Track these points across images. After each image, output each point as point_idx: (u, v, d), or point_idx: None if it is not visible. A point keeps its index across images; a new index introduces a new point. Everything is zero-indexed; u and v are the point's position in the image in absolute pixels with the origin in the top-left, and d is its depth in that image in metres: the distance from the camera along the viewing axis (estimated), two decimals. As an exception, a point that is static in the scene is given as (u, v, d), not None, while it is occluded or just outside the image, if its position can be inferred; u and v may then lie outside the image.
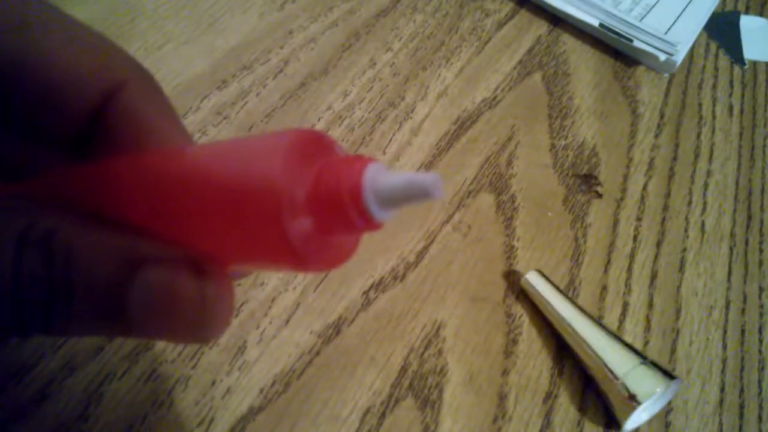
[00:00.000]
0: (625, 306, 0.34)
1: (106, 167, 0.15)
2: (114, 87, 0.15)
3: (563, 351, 0.31)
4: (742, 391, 0.32)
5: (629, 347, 0.29)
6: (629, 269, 0.35)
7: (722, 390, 0.32)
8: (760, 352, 0.34)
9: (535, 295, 0.32)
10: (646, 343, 0.33)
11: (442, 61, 0.42)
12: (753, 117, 0.46)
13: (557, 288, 0.32)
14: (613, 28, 0.46)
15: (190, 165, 0.15)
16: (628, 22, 0.46)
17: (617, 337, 0.30)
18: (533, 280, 0.32)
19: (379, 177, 0.13)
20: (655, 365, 0.28)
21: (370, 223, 0.13)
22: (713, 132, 0.44)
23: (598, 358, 0.29)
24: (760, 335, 0.35)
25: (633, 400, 0.27)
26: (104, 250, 0.13)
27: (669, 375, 0.28)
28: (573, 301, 0.31)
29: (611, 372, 0.28)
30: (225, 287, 0.15)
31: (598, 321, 0.31)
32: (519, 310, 0.32)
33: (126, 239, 0.14)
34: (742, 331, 0.35)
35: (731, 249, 0.38)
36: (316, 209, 0.13)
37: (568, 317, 0.31)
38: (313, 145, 0.14)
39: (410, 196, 0.13)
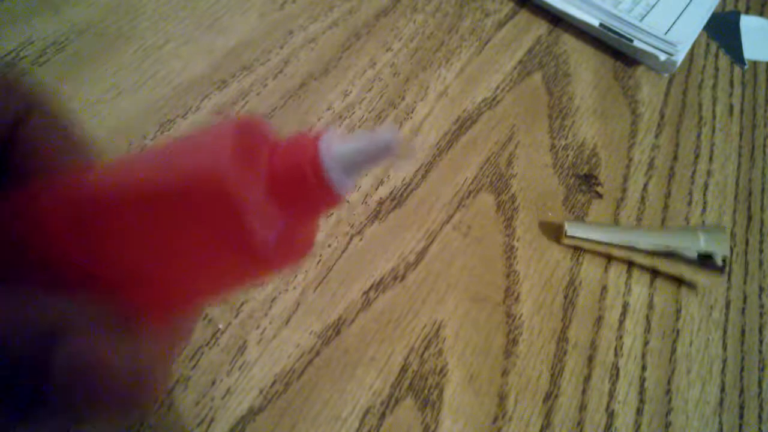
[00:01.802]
0: (625, 306, 0.34)
1: (21, 201, 0.14)
2: (13, 123, 0.14)
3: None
4: (742, 391, 0.32)
5: (681, 229, 0.35)
6: (629, 269, 0.35)
7: (722, 390, 0.32)
8: (760, 352, 0.34)
9: (586, 235, 0.34)
10: (646, 343, 0.33)
11: (442, 61, 0.42)
12: (753, 117, 0.46)
13: (596, 225, 0.35)
14: (614, 28, 0.46)
15: (122, 181, 0.13)
16: (628, 22, 0.45)
17: (665, 228, 0.36)
18: (574, 227, 0.34)
19: (335, 144, 0.13)
20: (707, 229, 0.33)
21: (331, 193, 0.13)
22: (713, 132, 0.44)
23: (671, 244, 0.33)
24: (760, 335, 0.35)
25: (712, 259, 0.32)
26: (20, 322, 0.12)
27: (722, 228, 0.33)
28: (617, 227, 0.36)
29: (685, 252, 0.33)
30: (163, 343, 0.13)
31: (641, 228, 0.36)
32: (519, 310, 0.32)
33: (44, 303, 0.12)
34: (742, 331, 0.35)
35: (731, 249, 0.38)
36: (276, 190, 0.13)
37: (628, 237, 0.34)
38: (251, 133, 0.13)
39: (371, 155, 0.13)
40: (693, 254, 0.32)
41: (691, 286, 0.35)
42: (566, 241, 0.34)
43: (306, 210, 0.13)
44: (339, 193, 0.13)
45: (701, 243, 0.32)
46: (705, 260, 0.32)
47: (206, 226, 0.12)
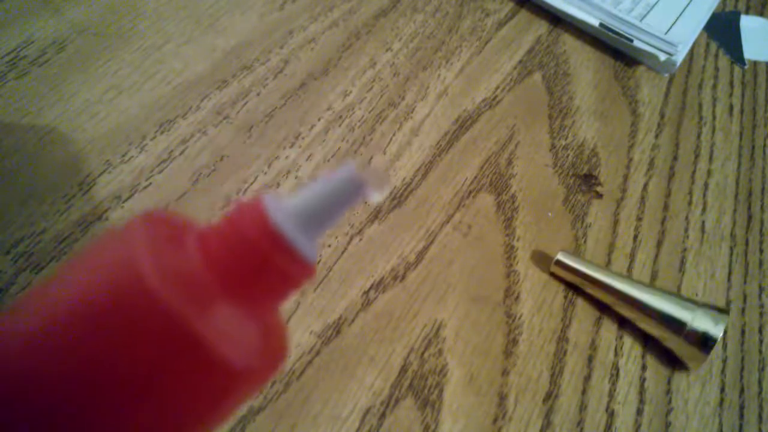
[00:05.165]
0: (625, 306, 0.34)
1: None
2: None
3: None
4: (742, 391, 0.32)
5: (682, 297, 0.31)
6: (629, 269, 0.35)
7: (722, 390, 0.32)
8: (760, 352, 0.34)
9: (573, 271, 0.33)
10: (646, 343, 0.33)
11: (442, 61, 0.42)
12: (753, 117, 0.46)
13: (590, 262, 0.33)
14: (614, 28, 0.46)
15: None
16: (628, 22, 0.45)
17: (666, 291, 0.32)
18: (566, 258, 0.33)
19: (284, 199, 0.10)
20: (708, 306, 0.30)
21: (294, 259, 0.10)
22: (713, 132, 0.44)
23: (660, 313, 0.30)
24: (760, 335, 0.35)
25: (707, 341, 0.29)
26: None
27: (724, 311, 0.30)
28: (612, 271, 0.33)
29: (677, 321, 0.30)
30: None
31: (640, 282, 0.32)
32: (519, 310, 0.32)
33: None
34: (742, 331, 0.35)
35: (731, 249, 0.38)
36: (223, 277, 0.10)
37: (617, 284, 0.32)
38: (165, 226, 0.11)
39: (335, 202, 0.10)
40: (681, 327, 0.30)
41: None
42: (553, 269, 0.33)
43: (268, 292, 0.10)
44: (304, 259, 0.10)
45: (692, 321, 0.30)
46: (693, 336, 0.30)
47: (147, 351, 0.09)
